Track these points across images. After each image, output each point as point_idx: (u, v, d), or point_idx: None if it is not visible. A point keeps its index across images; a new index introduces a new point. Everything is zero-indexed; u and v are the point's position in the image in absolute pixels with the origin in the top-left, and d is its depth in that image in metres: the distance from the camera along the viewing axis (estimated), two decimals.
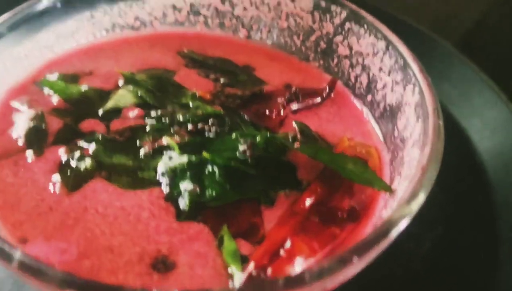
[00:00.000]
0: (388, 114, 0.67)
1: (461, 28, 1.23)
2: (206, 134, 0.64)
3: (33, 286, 0.46)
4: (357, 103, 0.73)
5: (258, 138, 0.62)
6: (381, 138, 0.68)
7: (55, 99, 0.68)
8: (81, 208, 0.56)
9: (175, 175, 0.59)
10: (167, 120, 0.65)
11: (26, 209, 0.56)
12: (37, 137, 0.63)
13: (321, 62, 0.77)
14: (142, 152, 0.62)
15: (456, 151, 0.78)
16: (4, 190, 0.57)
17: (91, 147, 0.61)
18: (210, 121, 0.65)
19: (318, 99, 0.72)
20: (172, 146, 0.62)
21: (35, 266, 0.43)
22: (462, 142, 0.83)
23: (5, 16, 0.67)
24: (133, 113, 0.67)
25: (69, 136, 0.63)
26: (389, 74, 0.67)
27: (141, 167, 0.60)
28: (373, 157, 0.65)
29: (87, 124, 0.65)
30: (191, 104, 0.68)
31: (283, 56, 0.79)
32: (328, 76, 0.76)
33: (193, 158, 0.60)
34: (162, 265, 0.52)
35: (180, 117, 0.66)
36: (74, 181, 0.58)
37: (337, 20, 0.73)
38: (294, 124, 0.68)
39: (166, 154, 0.61)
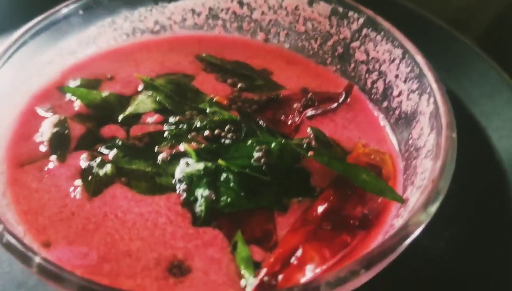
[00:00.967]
0: (403, 122, 0.68)
1: (481, 24, 1.21)
2: (222, 140, 0.66)
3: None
4: (373, 109, 0.73)
5: (273, 145, 0.64)
6: (396, 146, 0.68)
7: (77, 105, 0.70)
8: (102, 214, 0.58)
9: (191, 181, 0.61)
10: (185, 127, 0.67)
11: (50, 214, 0.58)
12: (60, 143, 0.65)
13: (338, 66, 0.78)
14: (160, 157, 0.63)
15: (475, 150, 0.78)
16: (29, 196, 0.60)
17: (112, 153, 0.63)
18: (227, 127, 0.67)
19: (334, 105, 0.72)
20: (189, 152, 0.63)
21: (53, 271, 0.46)
22: (482, 141, 0.82)
23: (29, 24, 0.69)
24: (152, 119, 0.68)
25: (90, 142, 0.65)
26: (405, 82, 0.68)
27: (159, 173, 0.62)
28: (387, 164, 0.65)
29: (107, 130, 0.67)
30: (208, 109, 0.70)
31: (301, 60, 0.80)
32: (345, 80, 0.77)
33: (209, 164, 0.61)
34: (178, 269, 0.54)
35: (198, 124, 0.67)
36: (95, 186, 0.60)
37: (354, 26, 0.74)
38: (309, 130, 0.69)
39: (183, 160, 0.63)
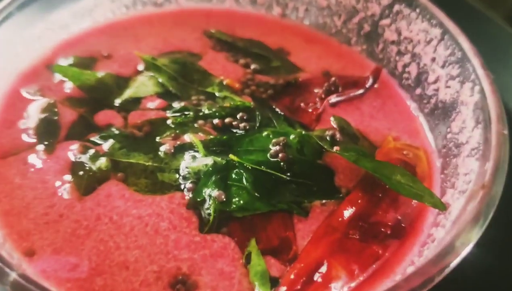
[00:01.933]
0: (440, 113, 0.60)
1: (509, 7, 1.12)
2: (234, 130, 0.58)
3: None
4: (404, 96, 0.65)
5: (291, 138, 0.56)
6: (431, 140, 0.61)
7: (68, 86, 0.63)
8: (94, 216, 0.51)
9: (198, 179, 0.53)
10: (191, 114, 0.60)
11: (34, 216, 0.51)
12: (48, 131, 0.58)
13: (364, 47, 0.70)
14: (162, 150, 0.56)
15: None
16: (11, 194, 0.52)
17: (107, 144, 0.56)
18: (239, 115, 0.59)
19: (360, 91, 0.65)
20: (195, 144, 0.56)
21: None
22: None
23: None
24: (154, 104, 0.61)
25: (83, 131, 0.58)
26: (443, 67, 0.60)
27: (161, 168, 0.55)
28: (421, 162, 0.57)
29: (103, 116, 0.60)
30: (217, 94, 0.62)
31: (322, 39, 0.73)
32: (372, 63, 0.69)
33: (219, 159, 0.54)
34: (182, 285, 0.47)
35: (206, 111, 0.60)
36: (88, 183, 0.53)
37: (384, 1, 0.66)
38: (332, 119, 0.61)
39: (189, 153, 0.56)
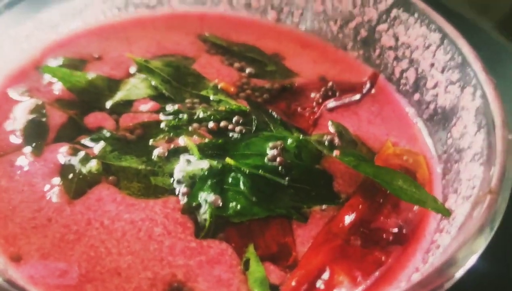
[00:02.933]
0: (440, 118, 0.59)
1: (498, 13, 1.13)
2: (230, 134, 0.57)
3: None
4: (402, 102, 0.64)
5: (289, 142, 0.54)
6: (431, 146, 0.60)
7: (58, 88, 0.61)
8: (84, 220, 0.49)
9: (193, 183, 0.52)
10: (185, 117, 0.58)
11: (21, 220, 0.49)
12: (36, 133, 0.56)
13: (361, 52, 0.69)
14: (155, 153, 0.54)
15: None
16: None
17: (98, 147, 0.54)
18: (234, 119, 0.57)
19: (358, 96, 0.64)
20: (190, 148, 0.54)
21: None
22: None
23: None
24: (146, 106, 0.60)
25: (72, 133, 0.56)
26: (442, 72, 0.59)
27: (154, 171, 0.53)
28: (422, 168, 0.56)
29: (93, 119, 0.58)
30: (212, 97, 0.61)
31: (317, 44, 0.72)
32: (369, 69, 0.68)
33: (215, 163, 0.52)
34: None
35: (200, 114, 0.58)
36: (77, 186, 0.51)
37: (382, 6, 0.65)
38: (330, 124, 0.59)
39: (183, 157, 0.54)
